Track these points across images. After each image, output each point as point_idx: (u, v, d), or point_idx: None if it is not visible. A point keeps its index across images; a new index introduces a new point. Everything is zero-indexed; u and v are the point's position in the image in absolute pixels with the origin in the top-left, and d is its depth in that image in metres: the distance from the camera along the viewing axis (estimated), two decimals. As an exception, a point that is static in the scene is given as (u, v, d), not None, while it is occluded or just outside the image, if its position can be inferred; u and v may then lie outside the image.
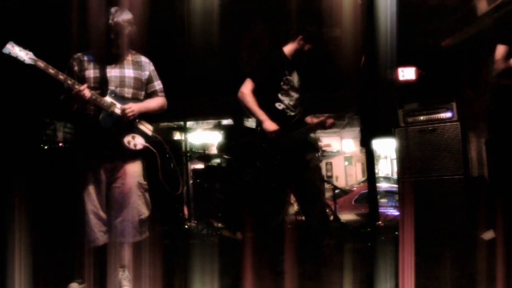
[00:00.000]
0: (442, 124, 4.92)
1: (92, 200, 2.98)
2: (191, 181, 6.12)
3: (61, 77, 2.82)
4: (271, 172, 3.71)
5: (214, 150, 9.40)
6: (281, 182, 3.72)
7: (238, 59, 6.49)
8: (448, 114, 4.94)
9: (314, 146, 4.06)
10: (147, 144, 3.11)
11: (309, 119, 3.95)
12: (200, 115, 8.02)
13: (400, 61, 6.19)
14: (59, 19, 4.56)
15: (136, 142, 3.05)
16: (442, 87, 5.69)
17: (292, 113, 3.82)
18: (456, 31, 5.81)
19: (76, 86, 2.83)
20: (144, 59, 3.24)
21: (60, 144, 5.17)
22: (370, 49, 3.51)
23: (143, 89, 3.21)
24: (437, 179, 4.85)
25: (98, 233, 2.98)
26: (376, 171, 15.34)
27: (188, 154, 5.97)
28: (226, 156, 5.69)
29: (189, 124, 8.35)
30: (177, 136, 7.70)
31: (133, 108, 3.01)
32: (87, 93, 2.85)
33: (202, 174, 5.68)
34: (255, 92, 3.73)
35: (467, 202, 4.68)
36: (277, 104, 3.77)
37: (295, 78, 3.84)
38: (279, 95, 3.77)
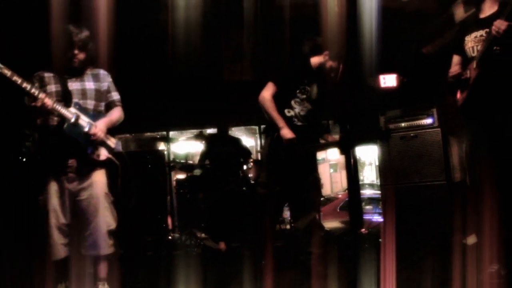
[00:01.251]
0: (423, 131, 4.96)
1: (55, 212, 2.95)
2: (174, 192, 6.08)
3: (26, 85, 2.82)
4: (280, 177, 3.65)
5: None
6: (285, 188, 3.68)
7: (221, 68, 6.50)
8: (429, 121, 4.98)
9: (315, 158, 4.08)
10: (110, 156, 3.13)
11: (328, 137, 3.91)
12: (183, 125, 7.98)
13: (382, 68, 6.25)
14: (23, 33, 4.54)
15: (99, 152, 3.09)
16: (423, 93, 5.74)
17: (300, 123, 3.75)
18: (436, 38, 5.87)
19: (41, 95, 2.84)
20: (102, 72, 3.30)
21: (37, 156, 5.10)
22: (350, 58, 3.54)
23: (103, 99, 3.26)
24: (419, 185, 4.88)
25: (59, 246, 2.95)
26: (361, 177, 15.40)
27: (171, 164, 5.93)
28: (208, 166, 5.68)
29: (172, 133, 8.31)
30: (161, 146, 7.66)
31: (100, 127, 3.07)
32: (48, 101, 2.86)
33: (185, 184, 5.64)
34: (274, 96, 3.72)
35: (450, 208, 4.71)
36: (286, 110, 3.73)
37: (313, 90, 3.79)
38: (292, 102, 3.73)
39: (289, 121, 3.69)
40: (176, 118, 7.09)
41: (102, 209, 3.02)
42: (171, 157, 7.38)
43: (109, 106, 3.29)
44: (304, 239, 3.76)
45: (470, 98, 3.27)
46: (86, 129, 3.02)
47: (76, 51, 3.05)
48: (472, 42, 3.32)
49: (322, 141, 3.91)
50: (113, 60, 3.44)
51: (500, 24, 3.00)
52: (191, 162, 6.39)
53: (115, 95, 3.33)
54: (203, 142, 6.02)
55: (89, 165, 3.05)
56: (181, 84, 6.29)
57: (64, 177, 2.99)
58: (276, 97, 3.71)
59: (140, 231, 5.25)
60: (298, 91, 3.73)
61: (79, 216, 3.01)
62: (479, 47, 3.22)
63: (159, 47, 5.83)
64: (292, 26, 5.78)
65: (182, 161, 6.28)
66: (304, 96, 3.75)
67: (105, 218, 3.03)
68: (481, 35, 3.22)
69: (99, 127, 3.06)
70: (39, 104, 2.85)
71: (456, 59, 3.45)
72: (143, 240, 5.33)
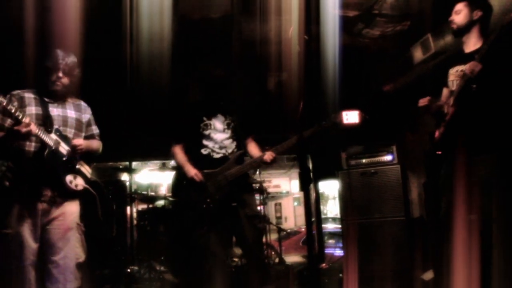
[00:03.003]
0: (383, 167, 5.06)
1: (27, 243, 2.81)
2: (135, 223, 5.98)
3: (11, 107, 2.74)
4: (202, 216, 3.72)
5: (161, 191, 9.28)
6: (213, 226, 3.69)
7: (185, 98, 6.51)
8: (388, 157, 5.10)
9: (251, 188, 4.10)
10: (87, 186, 3.07)
11: (253, 150, 3.98)
12: (146, 155, 7.91)
13: (345, 105, 6.39)
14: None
15: (77, 182, 3.02)
16: (384, 130, 5.88)
17: (219, 155, 3.86)
18: (397, 77, 6.06)
19: (25, 120, 2.75)
20: (83, 104, 3.28)
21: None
22: (311, 94, 3.62)
23: (83, 131, 3.20)
24: (379, 221, 4.95)
25: (32, 285, 2.81)
26: (325, 211, 15.48)
27: (133, 195, 5.85)
28: (171, 198, 5.61)
29: (135, 164, 8.21)
30: (124, 176, 7.56)
31: (82, 145, 3.03)
32: (34, 127, 2.78)
33: (145, 216, 5.57)
34: (184, 145, 3.92)
35: (408, 243, 4.78)
36: (202, 150, 3.85)
37: (218, 120, 3.92)
38: (203, 141, 3.86)
39: (207, 157, 3.83)
40: (140, 149, 7.03)
41: (72, 240, 2.94)
42: (134, 188, 7.28)
43: (88, 139, 3.24)
44: (257, 279, 3.78)
45: (446, 135, 3.27)
46: (65, 158, 2.96)
47: (60, 74, 2.99)
48: (453, 76, 3.31)
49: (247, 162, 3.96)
50: (77, 89, 3.42)
51: (474, 67, 3.04)
52: (153, 193, 6.32)
53: (95, 129, 3.32)
54: (170, 173, 5.96)
55: (64, 195, 2.96)
56: (144, 114, 6.26)
57: (37, 207, 2.87)
58: (188, 144, 3.90)
59: (98, 263, 5.12)
60: (201, 130, 3.86)
61: (46, 246, 2.89)
62: (458, 82, 3.20)
63: (123, 77, 5.81)
64: (257, 62, 5.88)
65: (144, 192, 6.21)
66: (210, 131, 3.87)
67: (75, 250, 2.95)
68: (461, 70, 3.19)
69: (82, 144, 3.03)
70: (23, 129, 2.75)
71: (445, 91, 3.40)
72: (101, 272, 5.20)
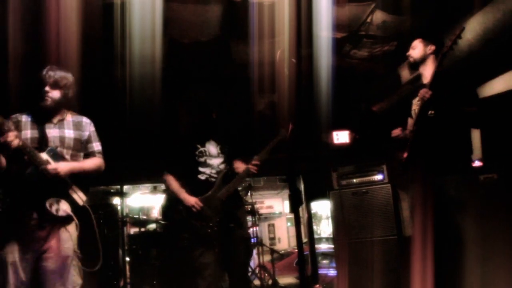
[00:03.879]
0: (374, 186, 5.08)
1: (17, 274, 2.74)
2: (126, 247, 5.94)
3: None
4: (204, 239, 3.74)
5: (153, 214, 9.23)
6: (211, 247, 3.73)
7: (177, 122, 6.53)
8: (379, 177, 5.12)
9: (242, 203, 4.15)
10: (71, 214, 2.89)
11: (238, 165, 4.01)
12: (138, 179, 7.90)
13: (335, 124, 6.45)
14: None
15: (59, 207, 2.83)
16: (374, 150, 5.92)
17: (215, 179, 3.90)
18: (385, 97, 6.13)
19: (8, 131, 2.67)
20: (85, 120, 3.19)
21: None
22: (303, 116, 3.68)
23: (82, 150, 3.11)
24: (371, 240, 4.95)
25: None
26: (318, 231, 15.44)
27: (125, 219, 5.82)
28: (165, 222, 5.59)
29: (126, 188, 8.18)
30: (115, 200, 7.52)
31: (58, 169, 2.84)
32: (16, 141, 2.68)
33: (137, 239, 5.53)
34: (179, 174, 3.94)
35: (400, 262, 4.78)
36: (199, 176, 3.89)
37: (211, 146, 3.98)
38: (199, 168, 3.90)
39: (205, 182, 3.87)
40: (131, 173, 7.02)
41: (68, 268, 2.84)
42: (125, 211, 7.25)
43: (88, 156, 3.14)
44: None
45: (408, 158, 3.54)
46: (50, 179, 2.81)
47: (47, 88, 2.90)
48: (415, 105, 3.61)
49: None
50: (75, 104, 3.39)
51: (424, 93, 3.34)
52: (145, 217, 6.29)
53: (96, 146, 3.19)
54: (161, 196, 5.96)
55: (51, 220, 2.83)
56: (136, 138, 6.27)
57: (27, 232, 2.80)
58: (184, 172, 3.93)
59: (90, 288, 5.06)
60: (197, 157, 3.91)
61: (43, 274, 2.81)
62: (417, 110, 3.51)
63: (114, 101, 5.83)
64: (248, 83, 5.93)
65: (136, 216, 6.18)
66: (205, 157, 3.93)
67: (72, 278, 2.86)
68: (419, 99, 3.49)
69: (58, 169, 2.82)
70: (4, 140, 2.65)
71: (410, 121, 3.70)
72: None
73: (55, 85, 2.93)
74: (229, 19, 4.69)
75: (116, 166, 6.59)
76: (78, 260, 2.94)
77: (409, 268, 3.43)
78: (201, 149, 3.93)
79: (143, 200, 9.09)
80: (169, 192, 6.09)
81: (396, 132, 3.72)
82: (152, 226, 5.82)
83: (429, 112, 3.40)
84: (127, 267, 5.83)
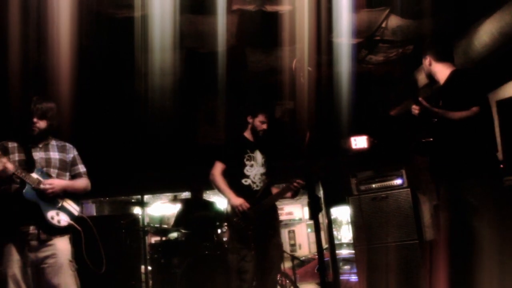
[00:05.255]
0: (393, 191, 5.07)
1: (15, 282, 2.88)
2: (148, 256, 6.00)
3: None
4: (245, 243, 3.88)
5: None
6: (252, 252, 3.87)
7: (194, 133, 6.59)
8: (398, 181, 5.11)
9: (278, 216, 4.28)
10: (71, 222, 3.12)
11: (274, 190, 4.21)
12: (157, 189, 7.97)
13: (353, 130, 6.44)
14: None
15: (60, 218, 3.07)
16: (393, 154, 5.90)
17: (257, 188, 4.07)
18: (403, 101, 6.11)
19: (2, 159, 2.88)
20: (68, 145, 3.39)
21: None
22: (318, 123, 3.68)
23: (68, 170, 3.31)
24: (392, 245, 4.93)
25: None
26: (339, 237, 15.35)
27: (146, 228, 5.88)
28: (182, 230, 5.65)
29: (147, 197, 8.28)
30: (136, 209, 7.60)
31: (54, 184, 3.07)
32: (10, 166, 2.90)
33: (159, 248, 5.58)
34: (225, 172, 4.09)
35: (422, 266, 4.75)
36: (243, 180, 4.06)
37: (258, 156, 4.15)
38: (245, 171, 4.06)
39: (248, 188, 4.04)
40: (151, 182, 7.10)
41: (65, 277, 2.98)
42: (146, 221, 7.32)
43: (75, 178, 3.34)
44: None
45: (431, 162, 3.45)
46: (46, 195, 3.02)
47: (35, 119, 3.10)
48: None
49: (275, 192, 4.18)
50: (91, 125, 3.51)
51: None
52: (165, 226, 6.34)
53: (81, 168, 3.40)
54: (179, 205, 6.02)
55: (49, 232, 3.02)
56: (155, 148, 6.34)
57: (26, 245, 2.95)
58: (229, 171, 4.10)
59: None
60: (245, 160, 4.09)
61: (40, 285, 2.95)
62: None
63: (134, 112, 5.92)
64: (265, 90, 5.97)
65: (157, 225, 6.23)
66: (252, 163, 4.10)
67: (69, 287, 2.99)
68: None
69: (53, 185, 3.06)
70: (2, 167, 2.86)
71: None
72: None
73: (42, 116, 3.14)
74: (245, 28, 4.74)
75: (137, 176, 6.72)
76: (74, 271, 3.08)
77: (430, 272, 3.39)
78: (251, 154, 4.12)
79: (164, 209, 9.16)
80: (185, 201, 6.18)
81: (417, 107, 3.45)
82: (173, 235, 5.86)
83: (433, 120, 3.27)
84: (149, 276, 5.88)
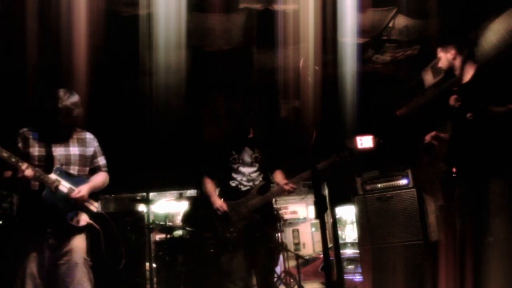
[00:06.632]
0: (399, 191, 5.06)
1: (32, 278, 2.91)
2: (153, 254, 6.01)
3: (5, 154, 2.83)
4: (226, 244, 3.85)
5: (178, 221, 9.30)
6: (236, 252, 3.81)
7: (200, 130, 6.60)
8: (404, 181, 5.11)
9: (274, 222, 4.20)
10: (90, 221, 3.13)
11: (279, 179, 4.10)
12: (163, 186, 7.98)
13: (358, 129, 6.43)
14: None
15: (79, 218, 3.08)
16: (398, 154, 5.89)
17: (246, 188, 4.02)
18: (409, 101, 6.09)
19: (20, 164, 2.84)
20: (88, 136, 3.34)
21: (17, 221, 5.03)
22: (324, 122, 3.67)
23: (88, 165, 3.29)
24: (396, 245, 4.92)
25: None
26: (343, 236, 15.34)
27: (151, 226, 5.89)
28: (189, 228, 5.66)
29: (152, 195, 8.29)
30: (141, 207, 7.61)
31: (82, 192, 3.07)
32: (29, 173, 2.86)
33: (164, 246, 5.59)
34: (215, 177, 4.14)
35: (427, 267, 4.74)
36: (231, 182, 4.04)
37: (245, 155, 4.09)
38: (232, 174, 4.05)
39: (235, 189, 4.01)
40: (156, 180, 7.11)
41: (80, 275, 3.00)
42: (151, 218, 7.33)
43: (94, 171, 3.32)
44: None
45: (449, 161, 3.37)
46: (66, 195, 3.03)
47: (60, 118, 3.05)
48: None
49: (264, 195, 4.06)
50: (95, 122, 3.51)
51: (454, 103, 3.15)
52: (171, 223, 6.35)
53: (101, 160, 3.37)
54: (184, 203, 6.03)
55: (68, 231, 3.04)
56: (161, 145, 6.36)
57: (43, 243, 2.98)
58: (218, 177, 4.12)
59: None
60: (230, 163, 4.06)
61: (55, 282, 2.98)
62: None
63: (140, 109, 5.93)
64: (271, 90, 5.96)
65: (162, 222, 6.24)
66: (238, 164, 4.06)
67: (83, 284, 3.01)
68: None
69: (82, 192, 3.06)
70: (19, 175, 2.85)
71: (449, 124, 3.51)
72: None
73: (68, 115, 3.09)
74: (252, 27, 4.74)
75: (142, 174, 6.74)
76: (88, 268, 3.10)
77: (437, 273, 3.35)
78: (235, 155, 4.08)
79: (169, 207, 9.17)
80: (192, 199, 6.19)
81: (431, 136, 3.46)
82: (178, 232, 5.87)
83: (468, 114, 3.13)
84: (154, 273, 5.90)
